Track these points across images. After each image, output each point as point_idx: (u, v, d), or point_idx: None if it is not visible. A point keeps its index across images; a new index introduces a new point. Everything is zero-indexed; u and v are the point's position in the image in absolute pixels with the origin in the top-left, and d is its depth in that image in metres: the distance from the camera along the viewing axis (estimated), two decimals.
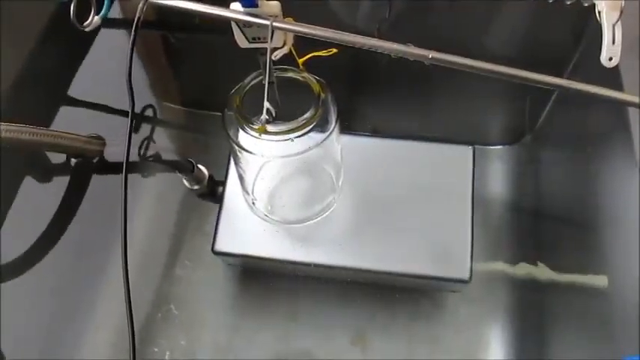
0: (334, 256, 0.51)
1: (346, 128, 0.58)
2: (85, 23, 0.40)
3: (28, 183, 0.56)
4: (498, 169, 0.63)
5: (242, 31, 0.38)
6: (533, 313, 0.55)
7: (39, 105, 0.59)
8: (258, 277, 0.58)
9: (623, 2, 0.36)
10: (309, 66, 0.43)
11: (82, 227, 0.56)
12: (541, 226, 0.59)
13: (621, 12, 0.37)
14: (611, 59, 0.38)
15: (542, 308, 0.55)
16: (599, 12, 0.38)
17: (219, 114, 0.45)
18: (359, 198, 0.54)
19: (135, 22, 0.32)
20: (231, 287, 0.57)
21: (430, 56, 0.35)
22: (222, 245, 0.52)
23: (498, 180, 0.62)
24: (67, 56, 0.64)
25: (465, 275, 0.50)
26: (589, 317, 0.49)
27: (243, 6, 0.36)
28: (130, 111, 0.32)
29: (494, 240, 0.58)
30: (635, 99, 0.36)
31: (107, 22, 0.44)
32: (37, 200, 0.57)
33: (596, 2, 0.38)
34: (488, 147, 0.64)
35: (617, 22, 0.37)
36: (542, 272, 0.56)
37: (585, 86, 0.36)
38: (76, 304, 0.55)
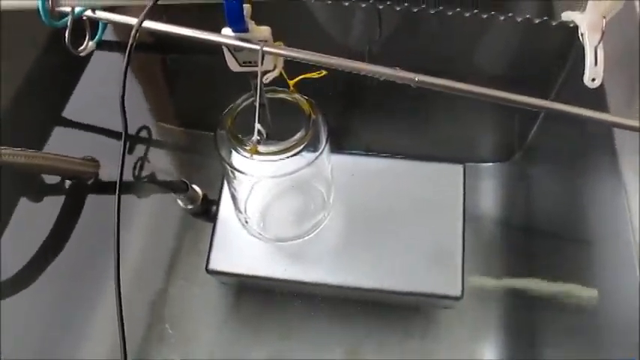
0: (326, 274, 0.52)
1: (338, 147, 0.59)
2: (80, 48, 0.41)
3: (24, 204, 0.56)
4: (490, 186, 0.63)
5: (233, 55, 0.39)
6: (525, 328, 0.55)
7: (35, 127, 0.60)
8: (252, 295, 0.58)
9: (605, 25, 0.37)
10: (301, 86, 0.44)
11: (76, 248, 0.56)
12: (532, 242, 0.59)
13: (602, 35, 0.38)
14: (594, 80, 0.39)
15: (534, 323, 0.55)
16: (581, 34, 0.39)
17: (212, 134, 0.45)
18: (351, 216, 0.55)
19: (128, 48, 0.32)
20: (225, 306, 0.57)
21: (416, 79, 0.36)
22: (215, 264, 0.53)
23: (490, 197, 0.62)
24: (61, 79, 0.64)
25: (457, 292, 0.50)
26: (580, 330, 0.50)
27: (234, 31, 0.37)
28: (123, 136, 0.33)
29: (487, 256, 0.59)
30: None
31: (101, 44, 0.44)
32: (32, 221, 0.57)
33: (579, 25, 0.39)
34: (479, 164, 0.64)
35: (598, 44, 0.38)
36: (534, 287, 0.57)
37: (568, 107, 0.37)
38: (71, 323, 0.55)
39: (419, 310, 0.56)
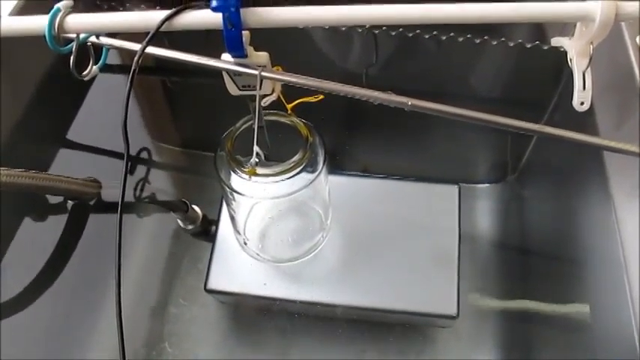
0: (324, 294, 0.52)
1: (336, 168, 0.60)
2: (84, 73, 0.42)
3: (27, 224, 0.57)
4: (485, 206, 0.64)
5: (233, 80, 0.40)
6: (521, 346, 0.56)
7: (38, 149, 0.61)
8: (250, 314, 0.58)
9: (592, 51, 0.38)
10: (299, 109, 0.45)
11: (78, 267, 0.56)
12: (527, 261, 0.60)
13: (590, 60, 0.39)
14: (582, 104, 0.40)
15: (530, 341, 0.56)
16: (570, 59, 0.40)
17: (212, 154, 0.46)
18: (348, 237, 0.55)
19: (130, 74, 0.33)
20: (224, 325, 0.58)
21: (409, 103, 0.37)
22: (214, 284, 0.53)
23: (485, 217, 0.63)
24: (65, 101, 0.65)
25: (453, 311, 0.51)
26: (574, 348, 0.50)
27: (233, 56, 0.37)
28: (125, 157, 0.34)
29: (482, 275, 0.59)
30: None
31: (104, 67, 0.45)
32: (35, 241, 0.58)
33: (567, 50, 0.40)
34: (475, 185, 0.65)
35: (586, 69, 0.39)
36: (529, 306, 0.57)
37: (558, 131, 0.38)
38: (72, 341, 0.55)
39: (415, 329, 0.57)
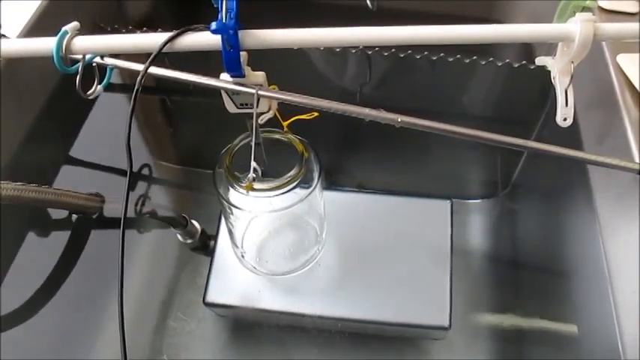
0: (319, 306, 0.53)
1: (331, 184, 0.62)
2: (89, 92, 0.43)
3: (31, 237, 0.58)
4: (477, 221, 0.65)
5: (231, 98, 0.41)
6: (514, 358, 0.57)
7: (43, 164, 0.62)
8: (247, 327, 0.59)
9: (573, 69, 0.40)
10: (295, 126, 0.46)
11: (80, 279, 0.57)
12: (518, 275, 0.61)
13: (571, 78, 0.40)
14: (565, 119, 0.41)
15: (522, 353, 0.56)
16: (553, 77, 0.42)
17: (211, 171, 0.48)
18: (343, 250, 0.56)
19: (133, 95, 0.35)
20: (222, 337, 0.58)
21: (399, 120, 0.38)
22: (213, 297, 0.54)
23: (477, 231, 0.64)
24: (68, 119, 0.67)
25: (445, 322, 0.52)
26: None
27: (231, 76, 0.39)
28: (127, 174, 0.35)
29: (475, 289, 0.60)
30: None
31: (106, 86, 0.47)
32: (39, 253, 0.59)
33: (550, 69, 0.42)
34: (467, 201, 0.66)
35: (568, 86, 0.40)
36: (521, 319, 0.58)
37: (541, 145, 0.39)
38: (73, 354, 0.56)
39: (409, 342, 0.57)
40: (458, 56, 0.61)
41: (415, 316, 0.52)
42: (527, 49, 0.65)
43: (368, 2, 0.49)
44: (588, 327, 0.48)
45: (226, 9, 0.35)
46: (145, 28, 0.65)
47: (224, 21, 0.35)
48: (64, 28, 0.38)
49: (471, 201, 0.66)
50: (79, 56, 0.40)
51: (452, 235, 0.57)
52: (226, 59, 0.37)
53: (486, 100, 0.68)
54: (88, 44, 0.39)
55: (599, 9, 0.56)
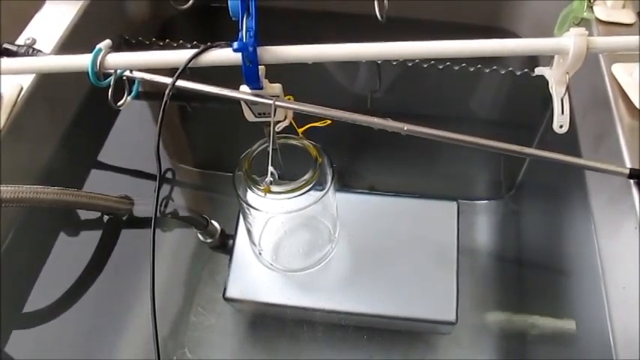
0: (332, 301, 0.55)
1: (344, 186, 0.64)
2: (119, 103, 0.46)
3: (63, 237, 0.61)
4: (482, 222, 0.67)
5: (250, 108, 0.44)
6: (518, 354, 0.58)
7: (75, 169, 0.65)
8: (264, 321, 0.61)
9: (568, 80, 0.42)
10: (309, 133, 0.49)
11: (111, 276, 0.60)
12: (522, 273, 0.63)
13: (567, 87, 0.43)
14: (561, 126, 0.44)
15: (526, 349, 0.58)
16: (550, 87, 0.44)
17: (230, 175, 0.50)
18: (355, 248, 0.59)
19: (162, 106, 0.38)
20: (240, 331, 0.61)
21: (405, 128, 0.41)
22: (232, 292, 0.56)
23: (483, 232, 0.66)
24: (96, 126, 0.70)
25: (452, 317, 0.54)
26: (568, 356, 0.53)
27: (250, 88, 0.42)
28: (157, 177, 0.38)
29: (481, 287, 0.61)
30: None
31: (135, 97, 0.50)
32: (73, 252, 0.61)
33: (548, 79, 0.45)
34: (473, 202, 0.68)
35: (564, 95, 0.43)
36: (524, 316, 0.60)
37: (539, 152, 0.42)
38: (100, 352, 0.59)
39: (418, 336, 0.59)
40: (463, 65, 0.63)
41: (423, 311, 0.54)
42: (531, 57, 0.66)
43: (377, 13, 0.52)
44: (584, 321, 0.49)
45: (246, 28, 0.38)
46: (167, 40, 0.68)
47: (244, 40, 0.38)
48: (98, 46, 0.41)
49: (477, 202, 0.68)
50: (112, 70, 0.42)
51: (458, 234, 0.59)
52: (246, 73, 0.40)
53: (491, 105, 0.69)
54: (119, 60, 0.42)
55: (597, 20, 0.58)
